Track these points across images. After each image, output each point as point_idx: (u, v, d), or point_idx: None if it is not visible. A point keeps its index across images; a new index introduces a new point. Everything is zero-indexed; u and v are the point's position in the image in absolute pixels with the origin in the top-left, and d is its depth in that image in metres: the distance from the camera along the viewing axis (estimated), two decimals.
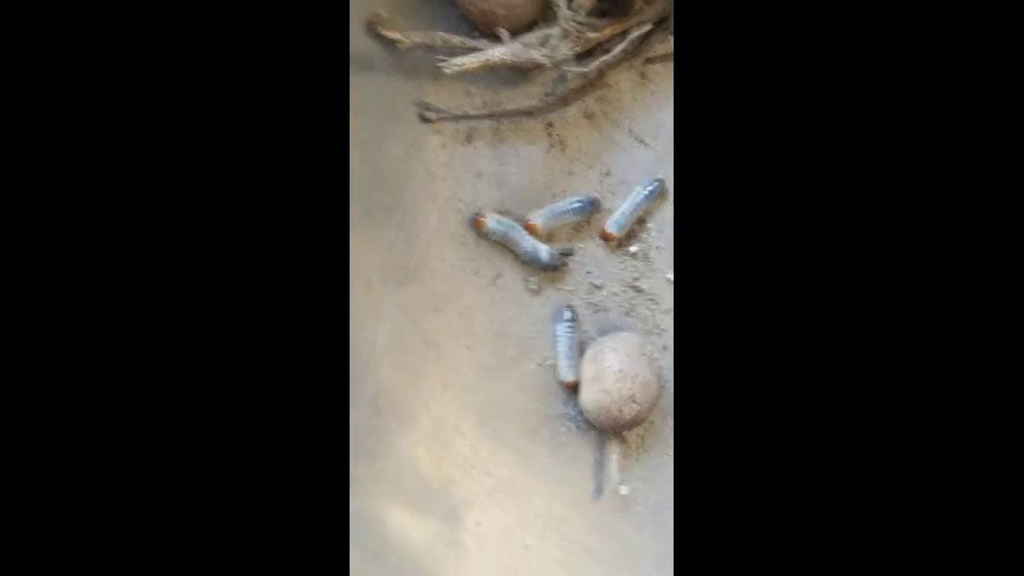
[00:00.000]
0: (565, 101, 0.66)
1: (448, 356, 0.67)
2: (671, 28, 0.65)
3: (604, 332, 0.68)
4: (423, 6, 0.66)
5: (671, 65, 0.67)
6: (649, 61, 0.67)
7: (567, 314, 0.67)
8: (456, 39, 0.62)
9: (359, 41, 0.65)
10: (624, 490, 0.66)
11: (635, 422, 0.65)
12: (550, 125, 0.68)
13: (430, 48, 0.63)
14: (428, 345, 0.66)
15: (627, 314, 0.69)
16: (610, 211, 0.68)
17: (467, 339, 0.67)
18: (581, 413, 0.67)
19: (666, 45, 0.67)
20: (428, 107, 0.66)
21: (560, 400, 0.68)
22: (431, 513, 0.64)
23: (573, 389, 0.67)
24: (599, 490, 0.67)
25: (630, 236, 0.68)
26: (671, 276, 0.68)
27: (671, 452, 0.68)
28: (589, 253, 0.69)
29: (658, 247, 0.69)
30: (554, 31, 0.59)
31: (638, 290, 0.69)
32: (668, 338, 0.68)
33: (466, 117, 0.67)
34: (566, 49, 0.59)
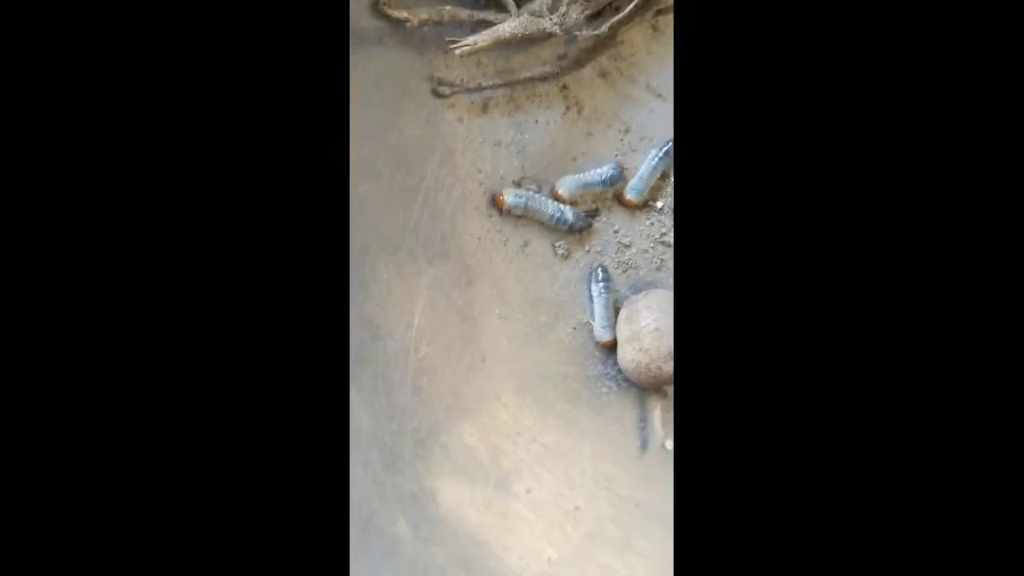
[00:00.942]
0: (579, 63, 0.65)
1: (484, 328, 0.67)
2: None
3: (637, 290, 0.68)
4: None
5: None
6: (660, 13, 0.66)
7: (600, 274, 0.67)
8: (463, 12, 0.62)
9: (367, 22, 0.65)
10: (670, 444, 0.67)
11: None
12: (565, 88, 0.68)
13: (438, 23, 0.63)
14: (464, 319, 0.67)
15: (658, 269, 0.69)
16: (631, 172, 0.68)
17: (501, 309, 0.68)
18: (621, 372, 0.67)
19: None
20: (441, 82, 0.66)
21: (599, 361, 0.69)
22: (482, 485, 0.65)
23: (611, 349, 0.67)
24: (644, 446, 0.68)
25: (654, 194, 0.68)
26: None
27: None
28: (615, 212, 0.69)
29: None
30: None
31: (667, 245, 0.69)
32: None
33: (480, 88, 0.66)
34: (575, 13, 0.58)
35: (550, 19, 0.57)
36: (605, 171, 0.67)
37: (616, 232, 0.69)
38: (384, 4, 0.63)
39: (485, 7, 0.63)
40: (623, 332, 0.66)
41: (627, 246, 0.69)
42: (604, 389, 0.69)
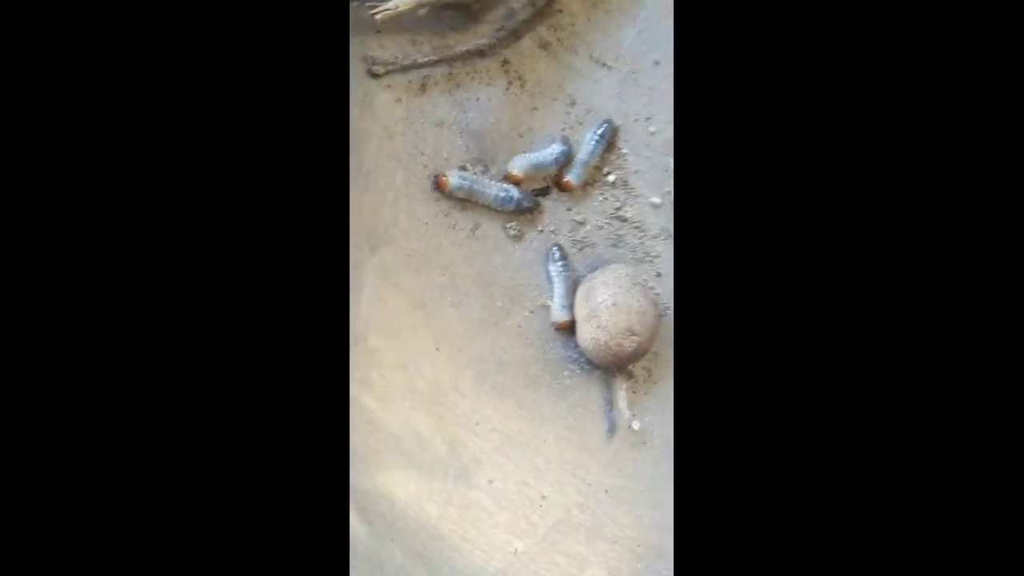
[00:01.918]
0: (516, 35, 0.63)
1: (436, 316, 0.64)
2: None
3: (595, 268, 0.66)
4: None
5: None
6: None
7: (557, 253, 0.65)
8: None
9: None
10: (636, 425, 0.64)
11: (637, 354, 0.63)
12: (506, 62, 0.65)
13: (363, 3, 0.60)
14: (414, 307, 0.64)
15: (615, 245, 0.66)
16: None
17: (453, 295, 0.65)
18: (582, 354, 0.65)
19: None
20: (375, 61, 0.64)
21: (560, 344, 0.66)
22: (441, 478, 0.62)
23: (567, 329, 0.65)
24: (612, 429, 0.65)
25: (595, 173, 0.66)
26: (657, 199, 0.66)
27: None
28: None
29: (636, 171, 0.66)
30: None
31: (622, 219, 0.66)
32: (661, 264, 0.66)
33: (416, 66, 0.64)
34: None
35: None
36: (556, 151, 0.64)
37: (569, 210, 0.67)
38: None
39: None
40: (581, 311, 0.63)
41: (581, 223, 0.67)
42: (566, 372, 0.66)
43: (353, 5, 0.61)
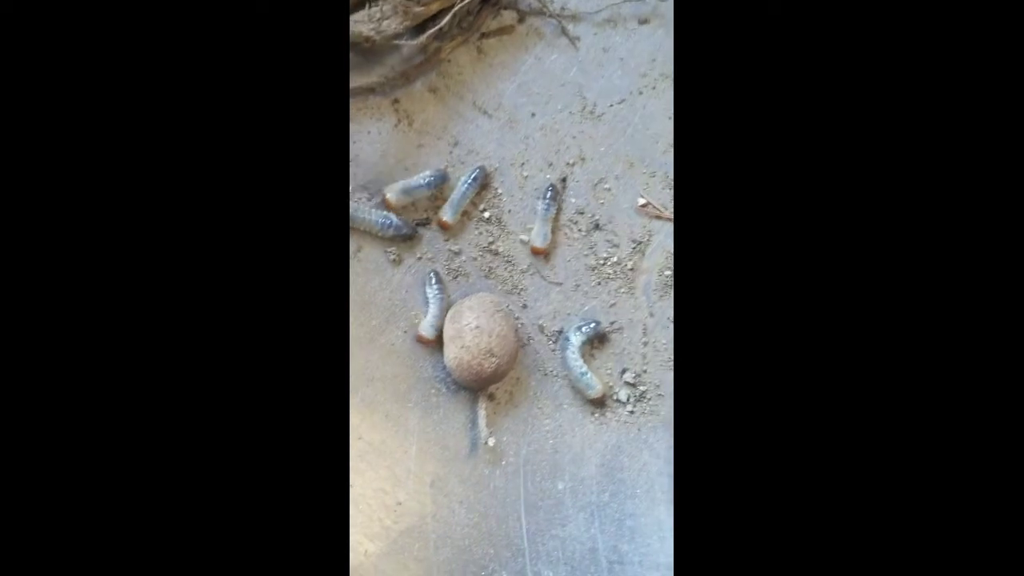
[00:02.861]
0: (407, 77, 0.69)
1: None
2: (500, 5, 0.69)
3: (466, 295, 0.71)
4: None
5: (505, 40, 0.71)
6: (484, 36, 0.71)
7: (433, 278, 0.70)
8: None
9: None
10: (492, 441, 0.69)
11: (496, 376, 0.68)
12: (396, 101, 0.72)
13: None
14: None
15: (486, 276, 0.72)
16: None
17: None
18: (450, 375, 0.70)
19: (499, 21, 0.71)
20: None
21: (429, 364, 0.71)
22: None
23: (430, 345, 0.69)
24: (473, 447, 0.70)
25: (469, 211, 0.72)
26: (524, 237, 0.72)
27: (540, 405, 0.71)
28: None
29: (509, 210, 0.72)
30: (383, 8, 0.62)
31: (495, 253, 0.72)
32: (527, 296, 0.72)
33: None
34: (396, 25, 0.62)
35: (368, 25, 0.61)
36: (427, 175, 0.70)
37: (446, 241, 0.72)
38: None
39: None
40: (448, 331, 0.69)
41: (457, 254, 0.72)
42: (434, 391, 0.71)
43: None
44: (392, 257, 0.71)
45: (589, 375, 0.70)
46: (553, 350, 0.72)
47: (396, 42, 0.64)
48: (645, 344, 0.72)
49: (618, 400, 0.72)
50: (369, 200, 0.71)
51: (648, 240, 0.72)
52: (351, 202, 0.70)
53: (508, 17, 0.71)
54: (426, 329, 0.69)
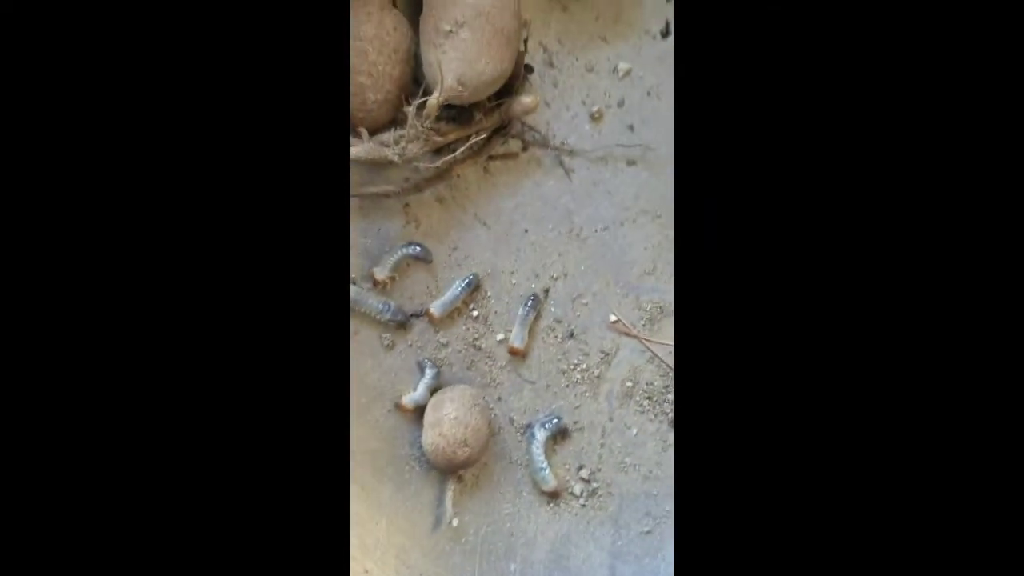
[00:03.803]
0: (419, 188, 0.78)
1: None
2: (508, 135, 0.78)
3: (449, 383, 0.79)
4: None
5: (510, 163, 0.81)
6: (491, 159, 0.80)
7: (428, 364, 0.79)
8: None
9: None
10: (455, 522, 0.77)
11: (467, 463, 0.76)
12: (407, 206, 0.80)
13: None
14: None
15: (468, 368, 0.80)
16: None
17: None
18: (425, 455, 0.77)
19: (506, 147, 0.80)
20: None
21: (407, 443, 0.79)
22: None
23: (407, 412, 0.78)
24: (437, 523, 0.77)
25: (465, 306, 0.80)
26: (501, 336, 0.80)
27: (502, 490, 0.79)
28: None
29: (495, 312, 0.81)
30: (406, 133, 0.71)
31: (478, 348, 0.81)
32: (502, 390, 0.80)
33: None
34: (416, 149, 0.72)
35: (393, 149, 0.70)
36: (459, 284, 0.79)
37: (436, 332, 0.81)
38: None
39: None
40: (428, 417, 0.76)
41: (445, 345, 0.80)
42: (407, 468, 0.78)
43: None
44: (386, 343, 0.79)
45: (547, 471, 0.78)
46: (520, 441, 0.80)
47: (415, 164, 0.73)
48: (602, 445, 0.80)
49: (572, 493, 0.80)
50: (371, 288, 0.79)
51: (615, 353, 0.81)
52: (357, 287, 0.78)
53: (514, 145, 0.81)
54: (409, 402, 0.77)
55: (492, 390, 0.80)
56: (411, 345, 0.80)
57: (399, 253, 0.78)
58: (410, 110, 0.70)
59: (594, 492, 0.80)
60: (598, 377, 0.81)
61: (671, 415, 0.80)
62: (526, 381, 0.81)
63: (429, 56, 0.71)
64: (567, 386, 0.81)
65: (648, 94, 0.82)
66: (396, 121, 0.74)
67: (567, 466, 0.80)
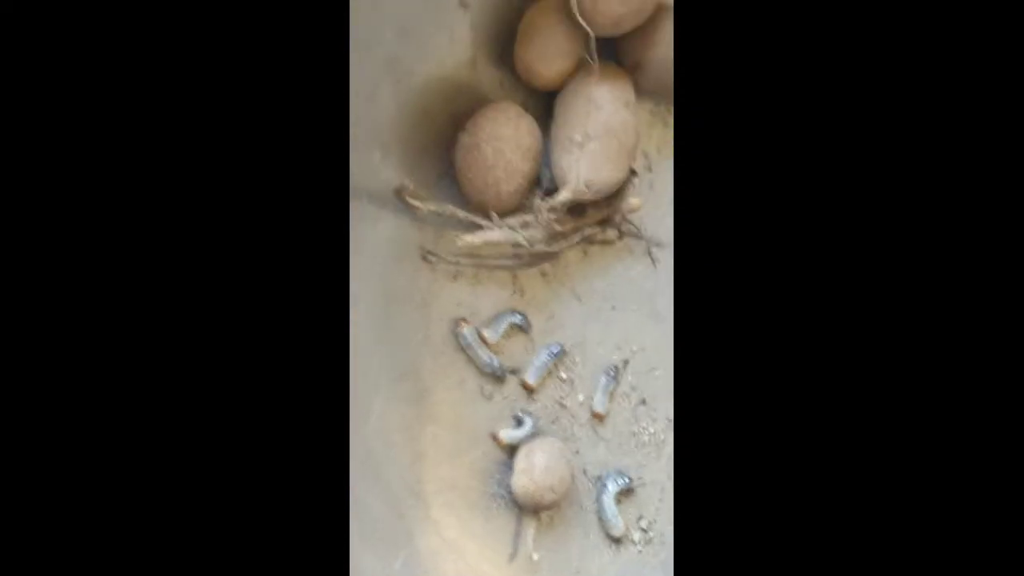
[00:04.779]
0: (530, 264, 0.91)
1: (421, 437, 0.88)
2: (608, 225, 0.92)
3: (536, 434, 0.91)
4: (439, 182, 0.91)
5: (606, 248, 0.94)
6: (590, 243, 0.94)
7: (527, 415, 0.91)
8: (460, 212, 0.87)
9: (388, 199, 0.88)
10: (536, 556, 0.88)
11: (551, 506, 0.88)
12: (515, 277, 0.93)
13: (438, 215, 0.87)
14: (404, 429, 0.88)
15: (552, 422, 0.93)
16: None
17: (434, 427, 0.89)
18: (510, 493, 0.89)
19: (604, 235, 0.93)
20: (430, 252, 0.90)
21: (495, 482, 0.90)
22: (393, 559, 0.84)
23: (503, 447, 0.89)
24: (514, 555, 0.89)
25: (556, 368, 0.93)
26: (581, 397, 0.93)
27: (572, 532, 0.91)
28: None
29: (580, 376, 0.93)
30: (530, 218, 0.84)
31: (563, 406, 0.93)
32: (580, 444, 0.92)
33: (456, 263, 0.91)
34: (539, 235, 0.85)
35: (522, 234, 0.83)
36: (545, 352, 0.91)
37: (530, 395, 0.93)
38: (404, 191, 0.87)
39: (473, 212, 0.88)
40: (520, 463, 0.88)
41: (535, 400, 0.93)
42: (495, 504, 0.90)
43: (427, 212, 0.88)
44: (486, 393, 0.92)
45: (618, 517, 0.90)
46: (591, 490, 0.92)
47: (538, 249, 0.86)
48: (660, 501, 0.93)
49: (631, 540, 0.92)
50: (479, 341, 0.91)
51: None
52: (474, 335, 0.89)
53: (611, 234, 0.94)
54: (506, 437, 0.89)
55: (571, 443, 0.92)
56: (506, 398, 0.92)
57: (506, 321, 0.91)
58: (541, 204, 0.83)
59: (650, 540, 0.92)
60: (663, 441, 0.93)
61: None
62: (601, 438, 0.93)
63: (561, 160, 0.84)
64: (635, 446, 0.93)
65: None
66: (521, 207, 0.87)
67: (628, 515, 0.92)
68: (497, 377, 0.91)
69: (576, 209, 0.88)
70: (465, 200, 0.89)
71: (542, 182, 0.88)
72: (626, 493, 0.92)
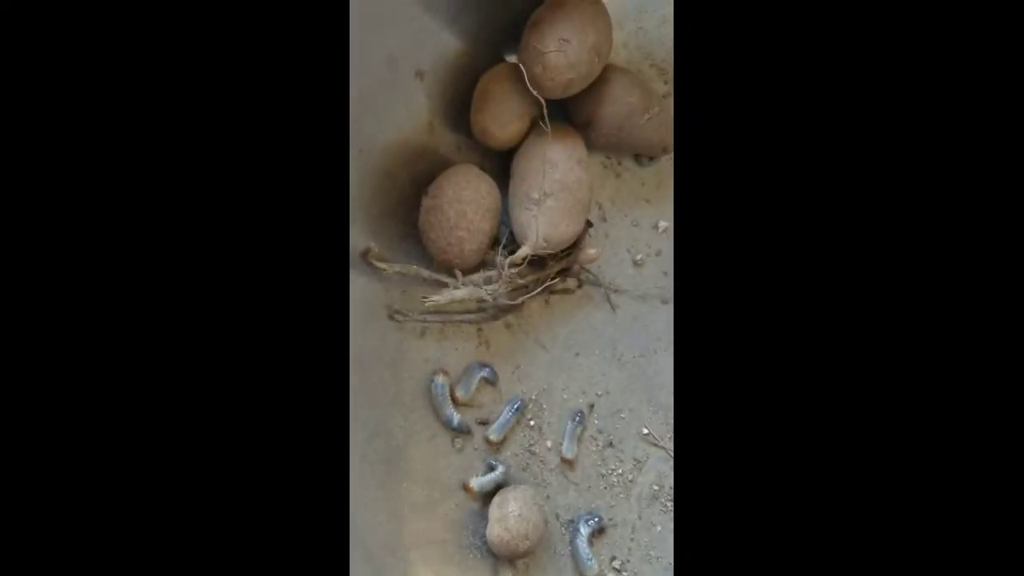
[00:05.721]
0: (495, 317, 0.94)
1: (396, 494, 0.89)
2: (568, 274, 0.95)
3: (508, 482, 0.93)
4: (402, 244, 0.93)
5: (566, 297, 0.97)
6: (552, 293, 0.97)
7: (494, 463, 0.93)
8: (425, 272, 0.89)
9: (354, 261, 0.90)
10: None
11: (526, 554, 0.90)
12: (480, 330, 0.96)
13: (404, 276, 0.90)
14: (378, 486, 0.89)
15: (523, 470, 0.95)
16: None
17: (408, 483, 0.91)
18: (485, 543, 0.91)
19: (564, 285, 0.97)
20: (397, 311, 0.92)
21: (470, 533, 0.92)
22: None
23: (473, 497, 0.91)
24: None
25: (524, 416, 0.95)
26: (549, 443, 0.95)
27: (548, 573, 0.93)
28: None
29: (548, 423, 0.96)
30: (493, 274, 0.87)
31: (532, 453, 0.96)
32: (551, 489, 0.95)
33: (423, 321, 0.93)
34: (502, 289, 0.88)
35: (486, 290, 0.86)
36: (508, 409, 0.94)
37: (496, 450, 0.95)
38: (370, 254, 0.89)
39: (438, 271, 0.91)
40: (494, 512, 0.90)
41: (504, 448, 0.95)
42: (471, 555, 0.92)
43: (392, 275, 0.90)
44: (457, 446, 0.94)
45: (592, 560, 0.92)
46: (564, 534, 0.94)
47: (501, 303, 0.89)
48: (632, 540, 0.95)
49: None
50: (447, 395, 0.93)
51: (646, 460, 0.97)
52: (445, 389, 0.91)
53: (571, 283, 0.97)
54: (475, 484, 0.91)
55: (542, 489, 0.95)
56: (476, 449, 0.94)
57: (477, 376, 0.93)
58: (503, 260, 0.86)
59: None
60: (631, 481, 0.96)
61: None
62: (571, 483, 0.95)
63: (520, 218, 0.88)
64: (605, 488, 0.96)
65: None
66: (484, 263, 0.90)
67: (602, 556, 0.94)
68: (463, 432, 0.93)
69: (537, 262, 0.92)
70: (429, 259, 0.91)
71: (501, 239, 0.91)
72: (598, 534, 0.94)
